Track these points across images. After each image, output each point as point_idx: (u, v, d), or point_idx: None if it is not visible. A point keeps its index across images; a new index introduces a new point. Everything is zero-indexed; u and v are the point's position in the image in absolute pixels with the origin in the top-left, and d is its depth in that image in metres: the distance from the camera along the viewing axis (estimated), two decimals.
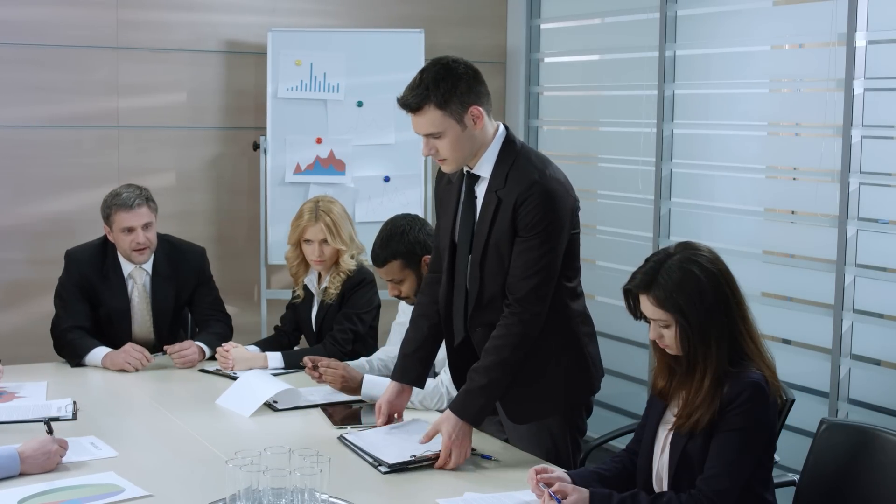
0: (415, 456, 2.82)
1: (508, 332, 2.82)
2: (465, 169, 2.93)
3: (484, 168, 2.90)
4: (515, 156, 2.87)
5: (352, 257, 3.95)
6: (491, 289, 2.91)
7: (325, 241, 3.90)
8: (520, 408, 2.99)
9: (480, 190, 2.92)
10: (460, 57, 2.88)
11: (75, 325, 3.90)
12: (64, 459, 2.75)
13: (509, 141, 2.91)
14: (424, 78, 2.83)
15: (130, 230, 3.90)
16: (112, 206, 3.91)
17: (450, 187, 3.02)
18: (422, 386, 3.17)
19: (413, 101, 2.81)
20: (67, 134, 4.93)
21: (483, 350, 2.87)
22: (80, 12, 4.90)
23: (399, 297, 3.60)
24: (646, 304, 2.45)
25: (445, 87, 2.80)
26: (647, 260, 2.49)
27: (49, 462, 2.69)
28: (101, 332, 3.93)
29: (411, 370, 3.12)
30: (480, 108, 2.83)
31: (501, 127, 2.93)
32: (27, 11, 4.80)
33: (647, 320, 2.48)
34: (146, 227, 3.93)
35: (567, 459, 2.99)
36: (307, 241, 3.92)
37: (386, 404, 3.09)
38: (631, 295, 2.50)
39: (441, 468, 2.78)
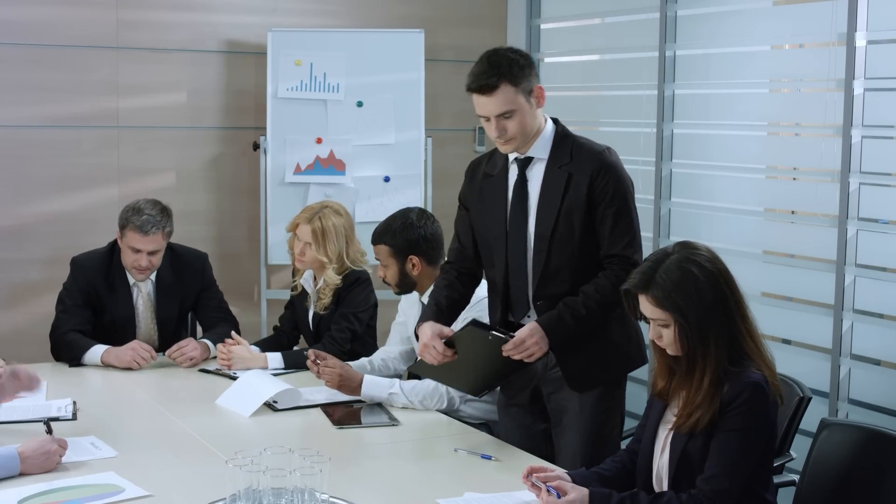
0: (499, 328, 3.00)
1: (617, 280, 2.87)
2: (514, 156, 3.08)
3: (539, 150, 3.08)
4: (573, 137, 3.10)
5: (338, 273, 3.93)
6: (558, 260, 3.03)
7: (309, 244, 3.92)
8: (583, 375, 3.07)
9: (536, 171, 3.07)
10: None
11: (74, 329, 3.90)
12: (64, 459, 2.75)
13: (562, 126, 3.14)
14: (494, 60, 2.99)
15: (136, 251, 3.92)
16: (129, 221, 3.92)
17: (490, 181, 3.15)
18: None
19: (491, 81, 2.96)
20: (67, 134, 4.93)
21: (581, 290, 2.98)
22: (80, 12, 4.90)
23: (384, 281, 3.69)
24: (645, 304, 2.45)
25: (517, 66, 2.99)
26: (646, 260, 2.49)
27: (49, 462, 2.69)
28: (104, 338, 3.92)
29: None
30: (542, 88, 3.02)
31: (548, 116, 3.13)
32: (27, 11, 4.80)
33: (646, 320, 2.48)
34: (153, 253, 3.94)
35: (610, 433, 3.10)
36: (296, 235, 3.95)
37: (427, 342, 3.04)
38: (630, 295, 2.50)
39: (508, 354, 2.92)
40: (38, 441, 2.72)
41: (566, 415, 3.12)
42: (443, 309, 3.18)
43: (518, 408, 3.22)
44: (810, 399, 3.07)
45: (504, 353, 2.94)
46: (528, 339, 2.93)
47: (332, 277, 3.93)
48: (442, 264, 3.34)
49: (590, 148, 3.06)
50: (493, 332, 2.97)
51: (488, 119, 3.01)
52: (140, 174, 5.04)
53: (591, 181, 3.00)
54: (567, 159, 3.04)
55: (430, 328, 3.03)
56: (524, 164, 3.08)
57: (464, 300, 3.26)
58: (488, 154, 3.24)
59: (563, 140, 3.08)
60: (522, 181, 3.08)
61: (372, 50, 5.09)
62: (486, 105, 2.99)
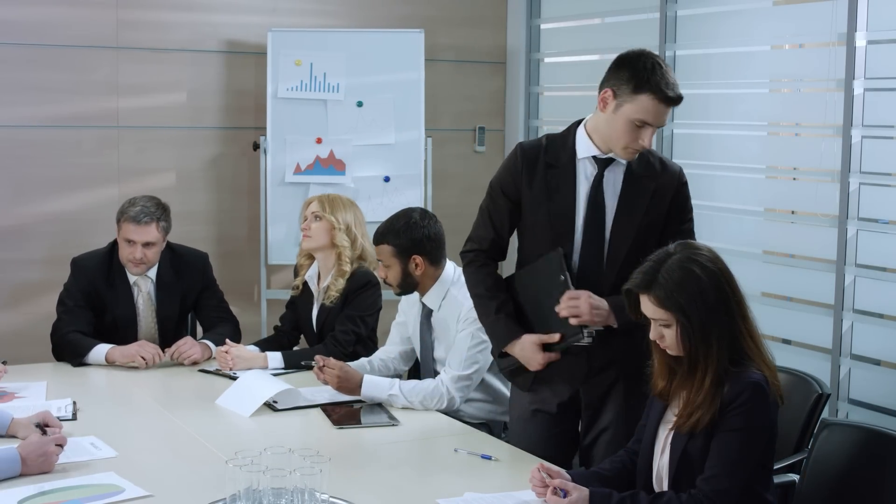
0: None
1: None
2: (590, 153, 2.99)
3: None
4: (650, 149, 2.99)
5: (347, 236, 3.92)
6: (628, 270, 2.94)
7: (316, 214, 3.91)
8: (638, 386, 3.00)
9: (614, 175, 2.99)
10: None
11: (76, 330, 3.90)
12: (64, 459, 2.75)
13: None
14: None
15: (130, 242, 3.92)
16: (124, 213, 3.94)
17: (555, 173, 3.01)
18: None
19: (681, 95, 2.89)
20: (67, 134, 4.93)
21: None
22: (80, 12, 4.90)
23: (384, 281, 3.67)
24: (646, 304, 2.45)
25: None
26: (647, 260, 2.49)
27: (46, 463, 2.68)
28: (106, 338, 3.91)
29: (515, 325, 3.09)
30: None
31: None
32: (27, 11, 4.80)
33: (647, 321, 2.48)
34: (147, 245, 3.93)
35: None
36: (305, 217, 3.96)
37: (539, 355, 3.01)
38: (631, 295, 2.50)
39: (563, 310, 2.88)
40: (36, 442, 2.71)
41: (607, 420, 3.06)
42: (512, 314, 3.06)
43: (544, 414, 3.11)
44: (829, 395, 3.08)
45: (559, 304, 2.89)
46: (584, 298, 2.86)
47: (342, 240, 3.90)
48: (467, 252, 3.16)
49: (671, 164, 3.06)
50: (566, 274, 2.92)
51: (645, 125, 2.87)
52: (140, 174, 5.04)
53: (673, 196, 3.00)
54: (650, 171, 2.99)
55: (532, 346, 2.99)
56: (604, 164, 2.99)
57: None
58: (541, 143, 3.07)
59: (645, 151, 2.99)
60: (599, 181, 2.99)
61: (372, 50, 5.09)
62: (663, 115, 2.89)
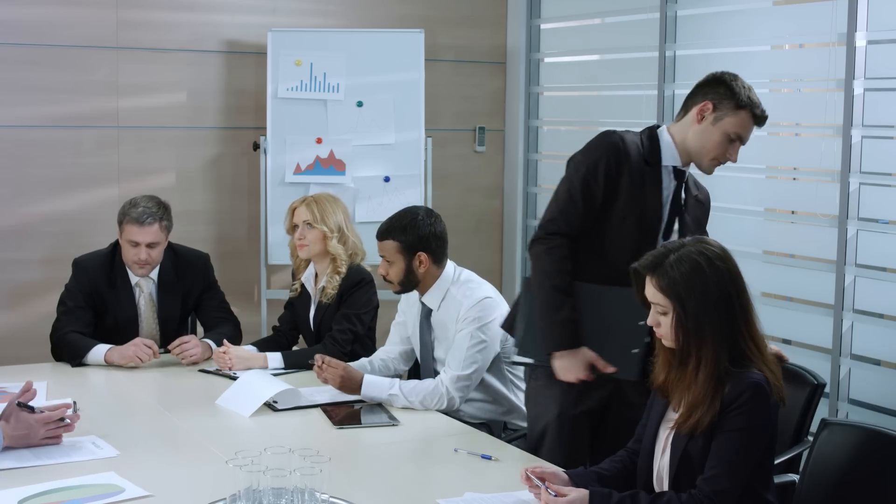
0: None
1: None
2: (672, 162, 3.07)
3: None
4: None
5: (340, 242, 3.93)
6: None
7: (308, 223, 3.91)
8: None
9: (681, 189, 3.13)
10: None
11: (75, 330, 3.90)
12: (64, 459, 2.75)
13: None
14: None
15: (135, 244, 3.92)
16: (126, 215, 3.94)
17: (651, 173, 3.05)
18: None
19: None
20: (67, 134, 4.93)
21: None
22: (80, 12, 4.90)
23: (385, 279, 3.64)
24: (649, 287, 2.46)
25: None
26: (662, 246, 2.50)
27: (30, 437, 2.72)
28: (108, 340, 3.90)
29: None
30: None
31: None
32: (27, 11, 4.80)
33: (647, 304, 2.49)
34: (151, 245, 3.93)
35: None
36: (295, 226, 3.95)
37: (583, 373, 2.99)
38: (638, 275, 2.50)
39: None
40: (21, 419, 2.75)
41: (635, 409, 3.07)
42: (576, 321, 2.99)
43: (584, 415, 3.09)
44: (824, 385, 3.09)
45: None
46: None
47: (337, 248, 3.92)
48: (553, 235, 3.02)
49: (699, 182, 3.21)
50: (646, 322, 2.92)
51: (737, 140, 3.03)
52: (140, 174, 5.04)
53: (708, 213, 3.23)
54: (697, 187, 3.18)
55: (584, 362, 2.98)
56: (681, 175, 3.09)
57: None
58: (639, 139, 3.06)
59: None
60: (679, 191, 3.09)
61: (372, 50, 5.09)
62: (750, 133, 3.04)
